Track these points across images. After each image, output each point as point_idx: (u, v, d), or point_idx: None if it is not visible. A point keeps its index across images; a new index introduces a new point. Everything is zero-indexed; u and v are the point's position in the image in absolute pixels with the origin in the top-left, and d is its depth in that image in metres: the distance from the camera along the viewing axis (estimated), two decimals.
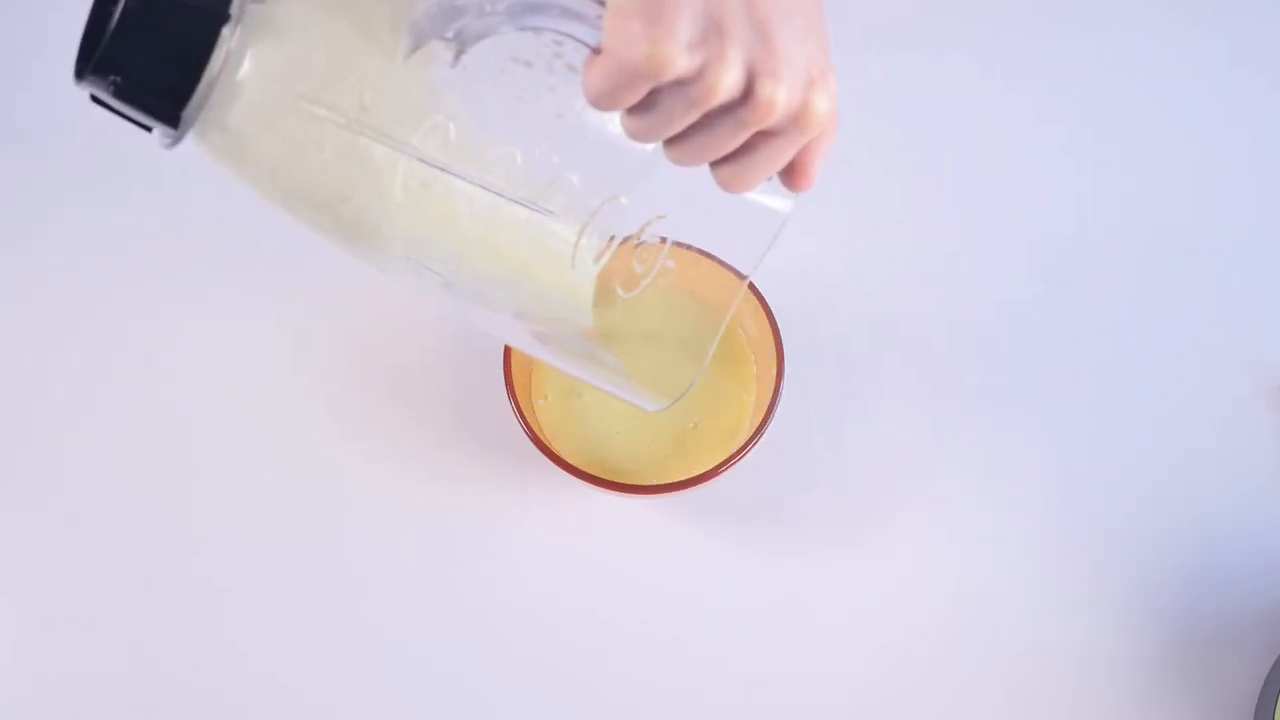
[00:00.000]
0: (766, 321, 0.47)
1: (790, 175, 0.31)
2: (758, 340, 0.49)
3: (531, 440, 0.45)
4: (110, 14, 0.29)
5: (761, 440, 0.45)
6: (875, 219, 0.55)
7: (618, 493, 0.44)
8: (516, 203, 0.32)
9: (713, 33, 0.27)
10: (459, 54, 0.31)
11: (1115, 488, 0.50)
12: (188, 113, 0.30)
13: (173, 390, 0.52)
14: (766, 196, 0.34)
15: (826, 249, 0.54)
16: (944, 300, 0.54)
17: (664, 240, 0.35)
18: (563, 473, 0.44)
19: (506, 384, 0.46)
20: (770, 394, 0.46)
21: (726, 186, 0.31)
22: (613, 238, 0.33)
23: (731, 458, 0.44)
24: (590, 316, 0.35)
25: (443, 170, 0.32)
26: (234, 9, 0.29)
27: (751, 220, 0.34)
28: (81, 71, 0.29)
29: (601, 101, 0.28)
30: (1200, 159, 0.57)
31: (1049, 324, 0.54)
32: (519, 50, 0.31)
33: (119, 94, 0.29)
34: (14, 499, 0.51)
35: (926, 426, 0.51)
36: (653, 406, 0.38)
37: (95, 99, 0.30)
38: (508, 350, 0.46)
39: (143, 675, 0.48)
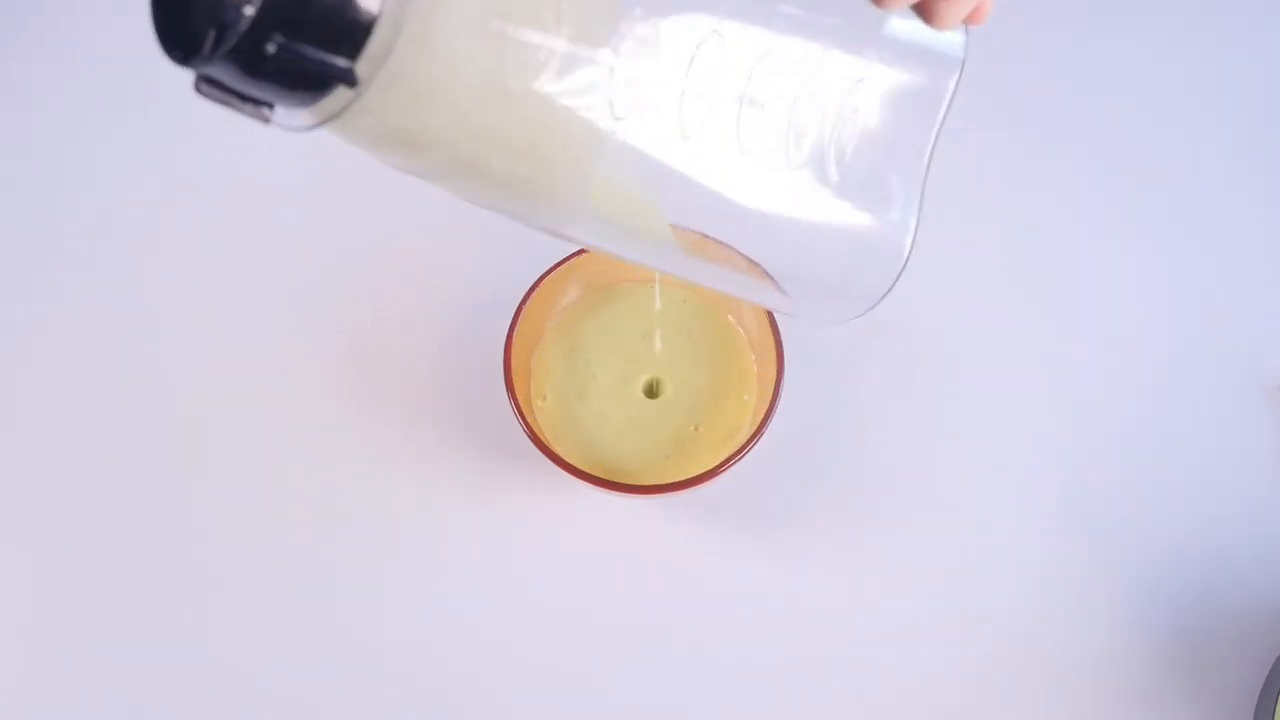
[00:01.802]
0: (766, 322, 0.47)
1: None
2: (758, 340, 0.49)
3: (531, 440, 0.45)
4: None
5: (761, 440, 0.45)
6: None
7: (618, 493, 0.44)
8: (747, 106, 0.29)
9: None
10: None
11: (1115, 488, 0.51)
12: (363, 66, 0.24)
13: (172, 391, 0.52)
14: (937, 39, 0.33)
15: None
16: (944, 300, 0.54)
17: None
18: (563, 473, 0.44)
19: (506, 384, 0.46)
20: (770, 394, 0.46)
21: (940, 19, 0.31)
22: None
23: (731, 458, 0.44)
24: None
25: (654, 81, 0.28)
26: None
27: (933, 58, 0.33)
28: (209, 47, 0.23)
29: None
30: (1200, 159, 0.57)
31: (1050, 323, 0.54)
32: None
33: (277, 61, 0.23)
34: (13, 499, 0.51)
35: (927, 426, 0.51)
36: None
37: (206, 84, 0.24)
38: (508, 350, 0.46)
39: (144, 676, 0.48)
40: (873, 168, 0.33)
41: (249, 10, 0.22)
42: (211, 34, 0.23)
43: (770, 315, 0.46)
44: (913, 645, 0.48)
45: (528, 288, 0.47)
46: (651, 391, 0.49)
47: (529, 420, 0.45)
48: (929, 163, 0.34)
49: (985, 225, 0.56)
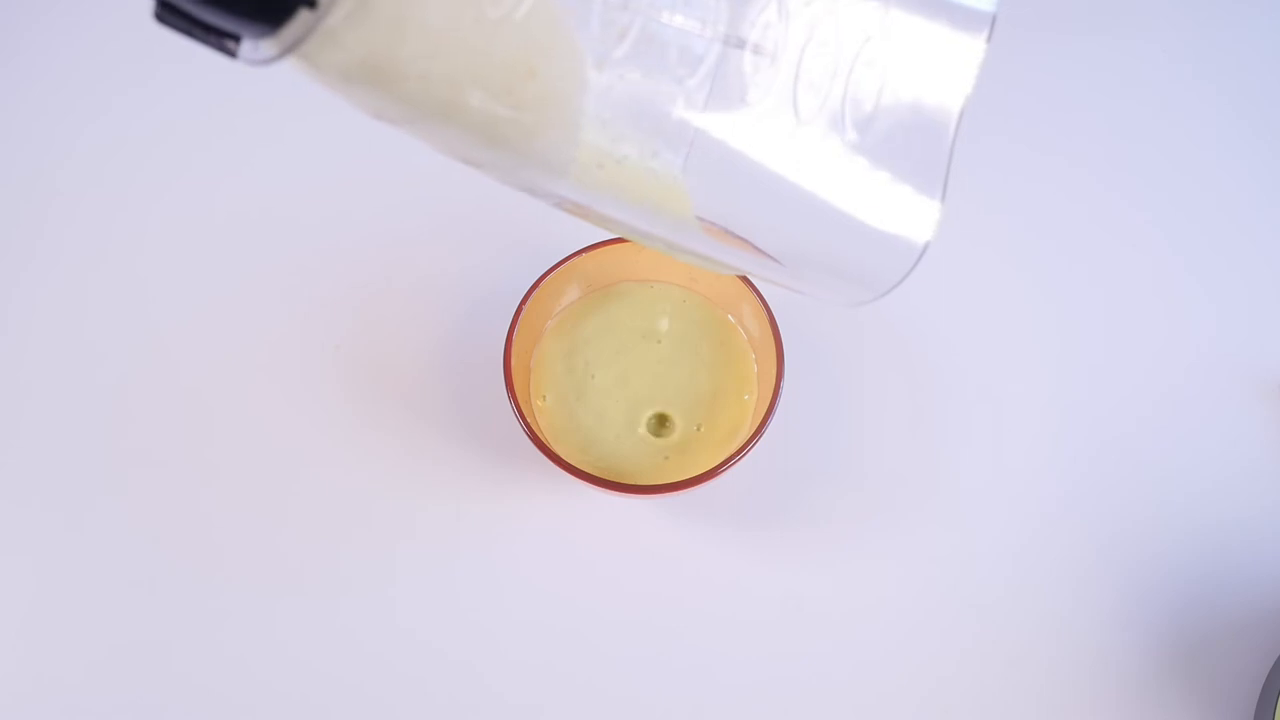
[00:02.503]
0: (767, 321, 0.47)
1: None
2: (758, 340, 0.49)
3: (531, 440, 0.45)
4: None
5: (761, 440, 0.45)
6: None
7: (618, 493, 0.44)
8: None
9: None
10: None
11: (1115, 488, 0.51)
12: None
13: (173, 392, 0.52)
14: None
15: None
16: (945, 300, 0.54)
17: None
18: (563, 473, 0.44)
19: (506, 384, 0.46)
20: (770, 394, 0.46)
21: None
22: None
23: (731, 458, 0.44)
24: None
25: (650, 7, 0.25)
26: None
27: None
28: None
29: None
30: (1201, 159, 0.57)
31: (1049, 323, 0.54)
32: None
33: None
34: (13, 500, 0.51)
35: (927, 426, 0.51)
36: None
37: (165, 10, 0.23)
38: (508, 350, 0.46)
39: (148, 675, 0.48)
40: (891, 133, 0.29)
41: None
42: None
43: (770, 315, 0.46)
44: (913, 645, 0.48)
45: (528, 288, 0.47)
46: (659, 429, 0.49)
47: (529, 420, 0.45)
48: (955, 137, 0.30)
49: (985, 226, 0.56)
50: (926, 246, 0.30)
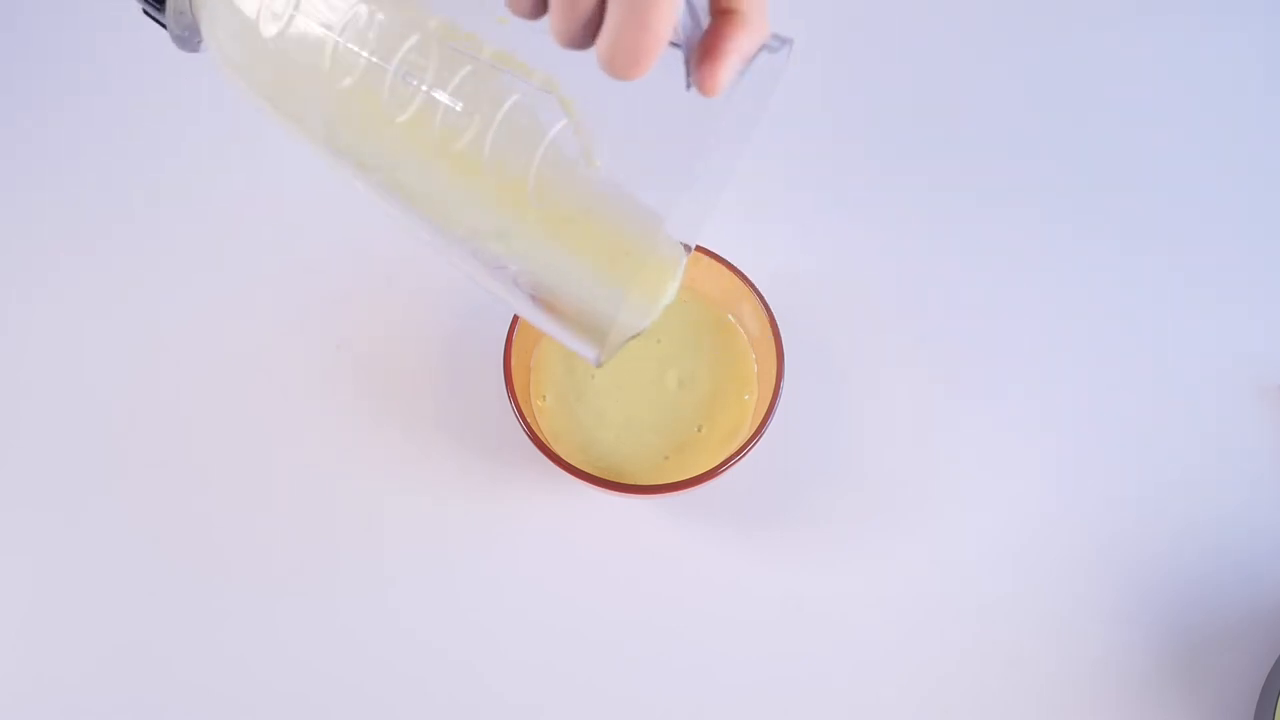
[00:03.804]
0: (767, 321, 0.47)
1: (706, 61, 0.26)
2: (758, 340, 0.49)
3: (531, 440, 0.45)
4: None
5: (761, 440, 0.45)
6: (875, 218, 0.55)
7: (618, 493, 0.44)
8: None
9: None
10: None
11: (1115, 488, 0.51)
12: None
13: (174, 392, 0.52)
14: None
15: (827, 249, 0.54)
16: (944, 300, 0.54)
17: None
18: (563, 473, 0.44)
19: (507, 384, 0.46)
20: (770, 394, 0.46)
21: (615, 67, 0.25)
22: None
23: (731, 458, 0.44)
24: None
25: (368, 62, 0.29)
26: None
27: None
28: None
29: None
30: (1201, 159, 0.57)
31: (1049, 323, 0.54)
32: None
33: None
34: (13, 500, 0.51)
35: (927, 426, 0.51)
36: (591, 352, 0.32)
37: None
38: (508, 351, 0.46)
39: (147, 676, 0.48)
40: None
41: None
42: None
43: (770, 315, 0.46)
44: (913, 644, 0.48)
45: None
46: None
47: (529, 420, 0.45)
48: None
49: (984, 226, 0.56)
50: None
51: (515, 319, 0.47)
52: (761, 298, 0.47)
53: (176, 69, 0.58)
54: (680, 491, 0.44)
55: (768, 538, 0.50)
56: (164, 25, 0.30)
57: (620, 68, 0.25)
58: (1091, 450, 0.51)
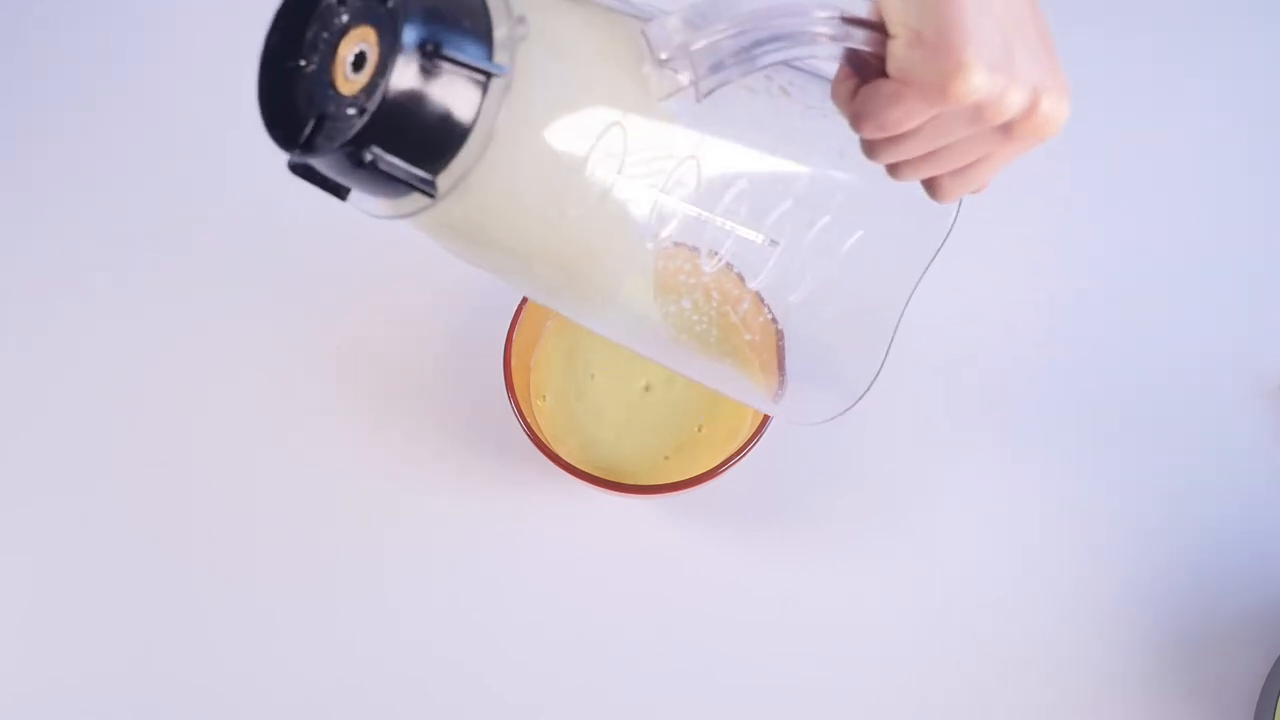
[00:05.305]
0: (767, 321, 0.47)
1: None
2: (758, 340, 0.49)
3: (531, 440, 0.45)
4: (293, 75, 0.26)
5: (761, 440, 0.45)
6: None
7: (618, 493, 0.44)
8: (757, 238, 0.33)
9: (1001, 53, 0.27)
10: (708, 89, 0.28)
11: (1115, 488, 0.50)
12: (444, 179, 0.26)
13: (174, 393, 0.52)
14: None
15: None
16: (944, 302, 0.54)
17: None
18: (563, 473, 0.44)
19: (507, 385, 0.46)
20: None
21: (944, 195, 0.32)
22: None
23: (731, 458, 0.44)
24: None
25: (695, 214, 0.31)
26: (502, 63, 0.26)
27: (926, 218, 0.35)
28: (307, 135, 0.26)
29: (887, 126, 0.28)
30: (1201, 159, 0.57)
31: (1050, 323, 0.54)
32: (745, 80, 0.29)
33: (371, 167, 0.25)
34: (13, 501, 0.51)
35: (927, 427, 0.51)
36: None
37: (297, 169, 0.27)
38: (508, 351, 0.46)
39: (147, 676, 0.48)
40: (843, 309, 0.37)
41: (356, 121, 0.24)
42: (311, 122, 0.26)
43: (771, 315, 0.46)
44: (913, 643, 0.48)
45: None
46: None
47: (529, 420, 0.45)
48: (902, 315, 0.37)
49: (985, 226, 0.55)
50: (859, 399, 0.36)
51: (515, 319, 0.47)
52: (762, 298, 0.47)
53: (177, 72, 0.58)
54: (680, 491, 0.44)
55: (768, 538, 0.50)
56: (338, 194, 0.28)
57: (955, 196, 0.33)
58: (1091, 450, 0.51)
